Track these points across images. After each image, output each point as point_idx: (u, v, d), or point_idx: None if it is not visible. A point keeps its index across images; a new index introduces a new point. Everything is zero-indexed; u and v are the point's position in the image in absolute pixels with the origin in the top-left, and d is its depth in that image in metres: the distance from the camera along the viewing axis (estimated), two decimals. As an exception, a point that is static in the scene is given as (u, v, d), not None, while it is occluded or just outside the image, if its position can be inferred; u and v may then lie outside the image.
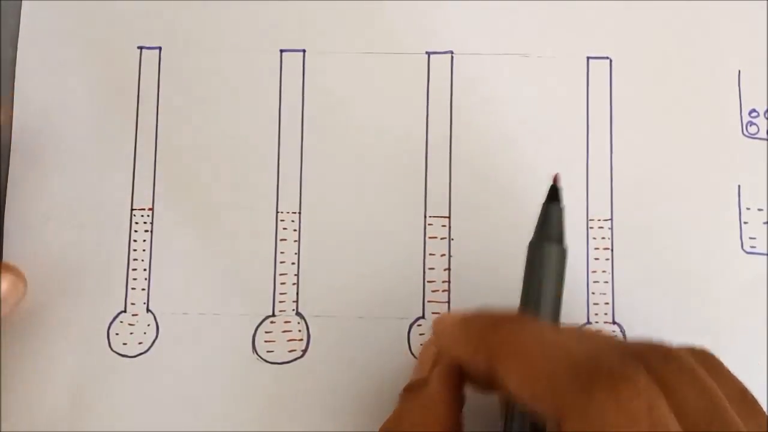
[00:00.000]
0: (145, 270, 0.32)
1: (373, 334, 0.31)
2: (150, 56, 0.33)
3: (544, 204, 0.26)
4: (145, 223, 0.32)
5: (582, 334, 0.24)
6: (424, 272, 0.32)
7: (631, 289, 0.31)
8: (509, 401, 0.25)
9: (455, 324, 0.26)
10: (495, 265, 0.32)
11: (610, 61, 0.33)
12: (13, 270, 0.30)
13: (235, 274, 0.32)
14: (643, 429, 0.19)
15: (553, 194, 0.26)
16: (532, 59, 0.33)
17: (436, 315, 0.31)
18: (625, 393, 0.19)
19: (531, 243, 0.26)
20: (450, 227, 0.32)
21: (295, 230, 0.32)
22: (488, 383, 0.24)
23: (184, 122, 0.32)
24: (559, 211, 0.26)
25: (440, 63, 0.33)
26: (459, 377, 0.27)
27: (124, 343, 0.31)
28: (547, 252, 0.26)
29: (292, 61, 0.33)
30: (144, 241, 0.32)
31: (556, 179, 0.26)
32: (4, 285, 0.30)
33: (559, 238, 0.26)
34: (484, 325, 0.25)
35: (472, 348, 0.24)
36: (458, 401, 0.27)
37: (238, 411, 0.31)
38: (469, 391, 0.29)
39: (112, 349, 0.31)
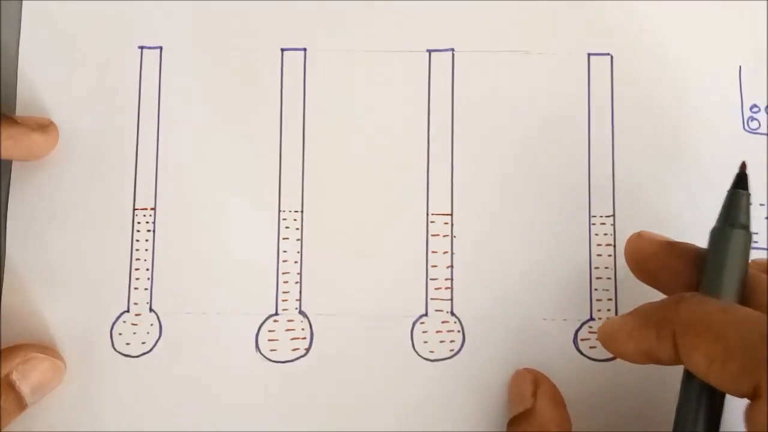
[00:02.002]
0: (147, 270, 0.32)
1: (376, 332, 0.31)
2: (151, 56, 0.33)
3: (730, 190, 0.27)
4: (147, 222, 0.32)
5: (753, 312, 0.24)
6: (426, 270, 0.32)
7: (634, 285, 0.31)
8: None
9: (626, 321, 0.26)
10: (497, 263, 0.32)
11: (611, 57, 0.33)
12: (51, 352, 0.31)
13: (238, 273, 0.32)
14: None
15: (740, 181, 0.27)
16: (533, 56, 0.33)
17: (600, 323, 0.30)
18: None
19: (715, 228, 0.27)
20: (452, 224, 0.32)
21: (297, 229, 0.32)
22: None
23: (185, 122, 0.32)
24: (746, 198, 0.26)
25: (441, 60, 0.33)
26: (562, 398, 0.29)
27: (128, 343, 0.31)
28: (732, 236, 0.26)
29: (293, 59, 0.33)
30: (146, 240, 0.32)
31: (743, 167, 0.27)
32: (43, 372, 0.30)
33: (745, 224, 0.26)
34: (662, 308, 0.25)
35: (654, 335, 0.25)
36: (568, 422, 0.28)
37: (241, 410, 0.31)
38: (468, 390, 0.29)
39: (115, 349, 0.31)
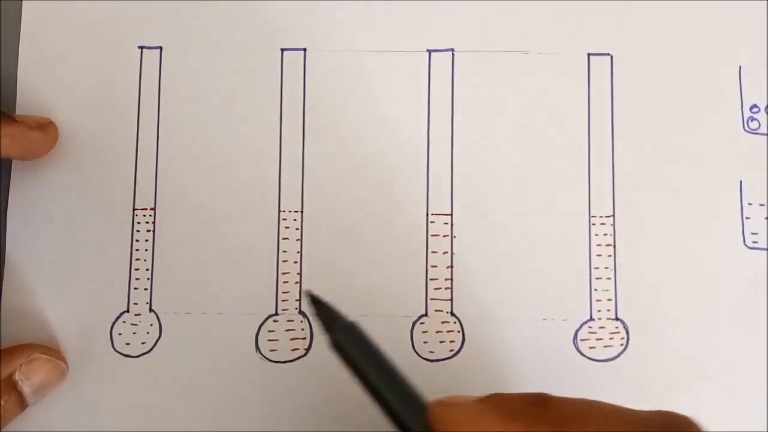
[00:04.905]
0: (147, 270, 0.32)
1: (376, 332, 0.31)
2: (150, 56, 0.33)
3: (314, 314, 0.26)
4: (147, 222, 0.32)
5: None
6: (426, 270, 0.32)
7: (634, 286, 0.31)
8: None
9: (480, 410, 0.23)
10: (497, 263, 0.32)
11: (611, 57, 0.33)
12: (54, 353, 0.31)
13: (238, 273, 0.32)
14: None
15: (314, 302, 0.26)
16: (532, 56, 0.33)
17: (438, 404, 0.24)
18: None
19: (334, 345, 0.25)
20: (452, 224, 0.32)
21: (297, 229, 0.32)
22: None
23: (185, 122, 0.32)
24: (323, 306, 0.25)
25: (441, 60, 0.33)
26: None
27: (127, 343, 0.31)
28: (344, 343, 0.24)
29: (293, 59, 0.33)
30: (146, 240, 0.32)
31: (309, 293, 0.26)
32: (46, 373, 0.30)
33: (339, 322, 0.25)
34: (528, 403, 0.23)
35: (529, 423, 0.23)
36: None
37: (241, 410, 0.31)
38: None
39: (115, 349, 0.31)
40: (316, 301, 0.26)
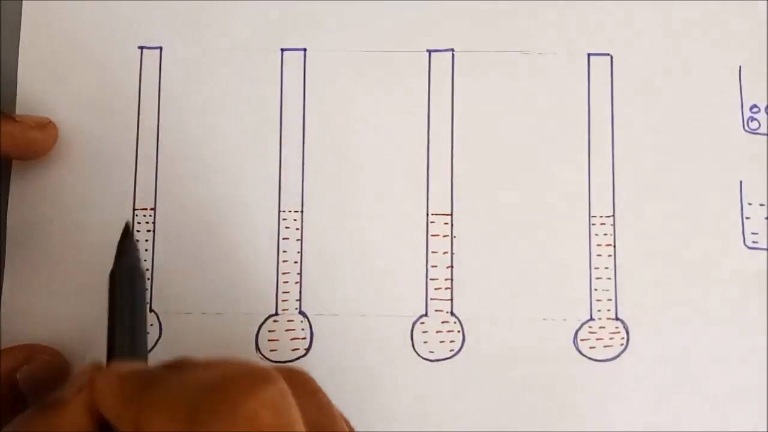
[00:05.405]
0: (147, 270, 0.31)
1: (376, 332, 0.31)
2: (151, 56, 0.33)
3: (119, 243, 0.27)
4: (147, 223, 0.32)
5: (221, 362, 0.23)
6: (426, 270, 0.32)
7: (634, 286, 0.31)
8: None
9: (113, 382, 0.23)
10: (497, 263, 0.32)
11: (611, 57, 0.33)
12: (54, 353, 0.30)
13: (238, 273, 0.32)
14: (284, 422, 0.21)
15: (125, 234, 0.27)
16: (532, 56, 0.33)
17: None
18: (270, 391, 0.21)
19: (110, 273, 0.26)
20: (452, 225, 0.32)
21: (297, 229, 0.32)
22: None
23: (185, 122, 0.32)
24: (130, 240, 0.27)
25: (441, 60, 0.33)
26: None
27: (128, 343, 0.31)
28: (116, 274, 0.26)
29: (293, 60, 0.33)
30: (146, 241, 0.32)
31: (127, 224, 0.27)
32: (47, 373, 0.30)
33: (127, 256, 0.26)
34: (135, 386, 0.23)
35: (121, 407, 0.22)
36: None
37: (241, 410, 0.31)
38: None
39: (115, 349, 0.31)
40: (128, 234, 0.27)
